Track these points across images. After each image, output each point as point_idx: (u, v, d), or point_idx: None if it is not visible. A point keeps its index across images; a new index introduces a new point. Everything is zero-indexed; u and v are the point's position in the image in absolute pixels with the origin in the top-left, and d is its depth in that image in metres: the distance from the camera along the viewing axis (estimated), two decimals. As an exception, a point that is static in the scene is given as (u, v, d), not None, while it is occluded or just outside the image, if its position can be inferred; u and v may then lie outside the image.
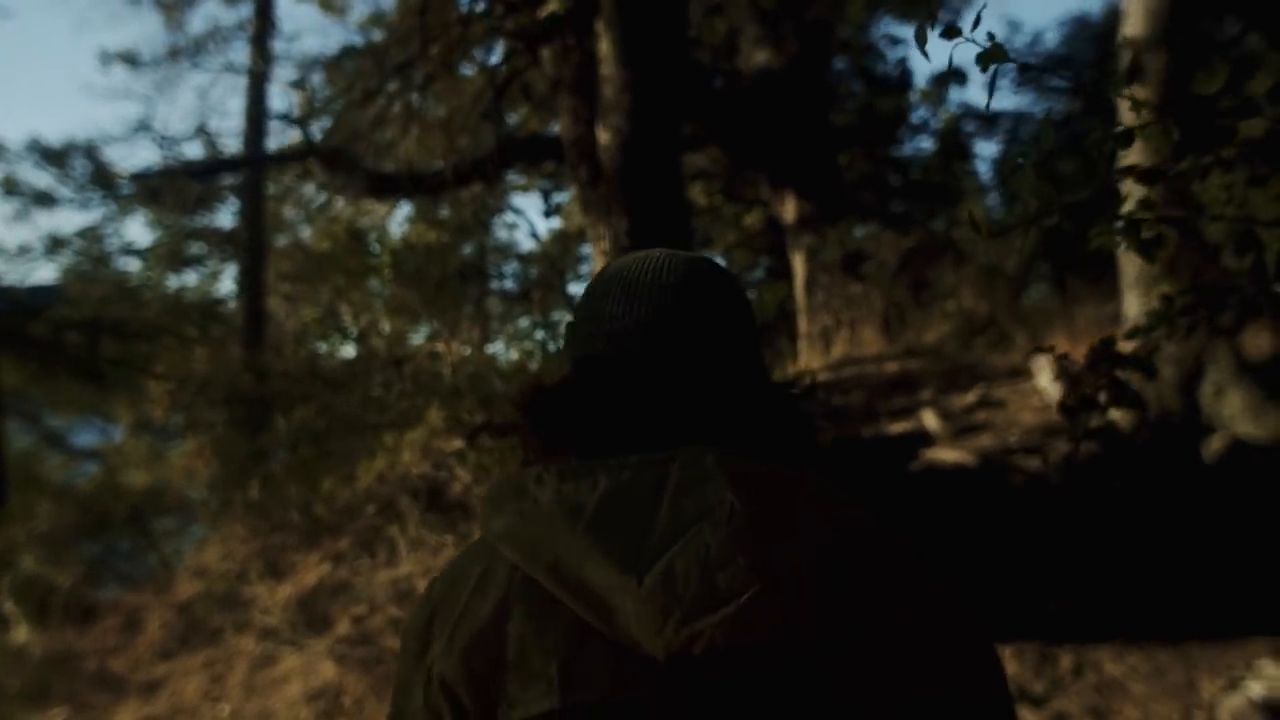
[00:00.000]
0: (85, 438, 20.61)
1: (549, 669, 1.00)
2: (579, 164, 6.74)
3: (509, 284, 21.81)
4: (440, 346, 12.14)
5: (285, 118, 14.71)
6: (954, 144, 17.99)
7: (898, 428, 7.88)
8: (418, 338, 13.68)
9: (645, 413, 1.15)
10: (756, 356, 1.26)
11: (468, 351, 12.58)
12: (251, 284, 15.79)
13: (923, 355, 9.91)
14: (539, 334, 18.86)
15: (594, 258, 6.85)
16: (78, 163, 15.54)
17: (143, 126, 13.57)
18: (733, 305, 1.24)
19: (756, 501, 1.00)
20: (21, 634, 9.54)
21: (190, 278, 21.69)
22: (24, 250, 17.01)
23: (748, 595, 0.94)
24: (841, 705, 1.00)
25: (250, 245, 15.77)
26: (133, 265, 19.58)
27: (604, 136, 6.56)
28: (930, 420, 7.75)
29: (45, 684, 8.55)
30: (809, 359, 11.43)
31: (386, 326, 13.57)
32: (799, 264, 12.90)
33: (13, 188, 16.23)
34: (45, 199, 16.50)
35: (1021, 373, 8.56)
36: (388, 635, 7.32)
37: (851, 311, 11.75)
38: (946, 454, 7.18)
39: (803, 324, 12.50)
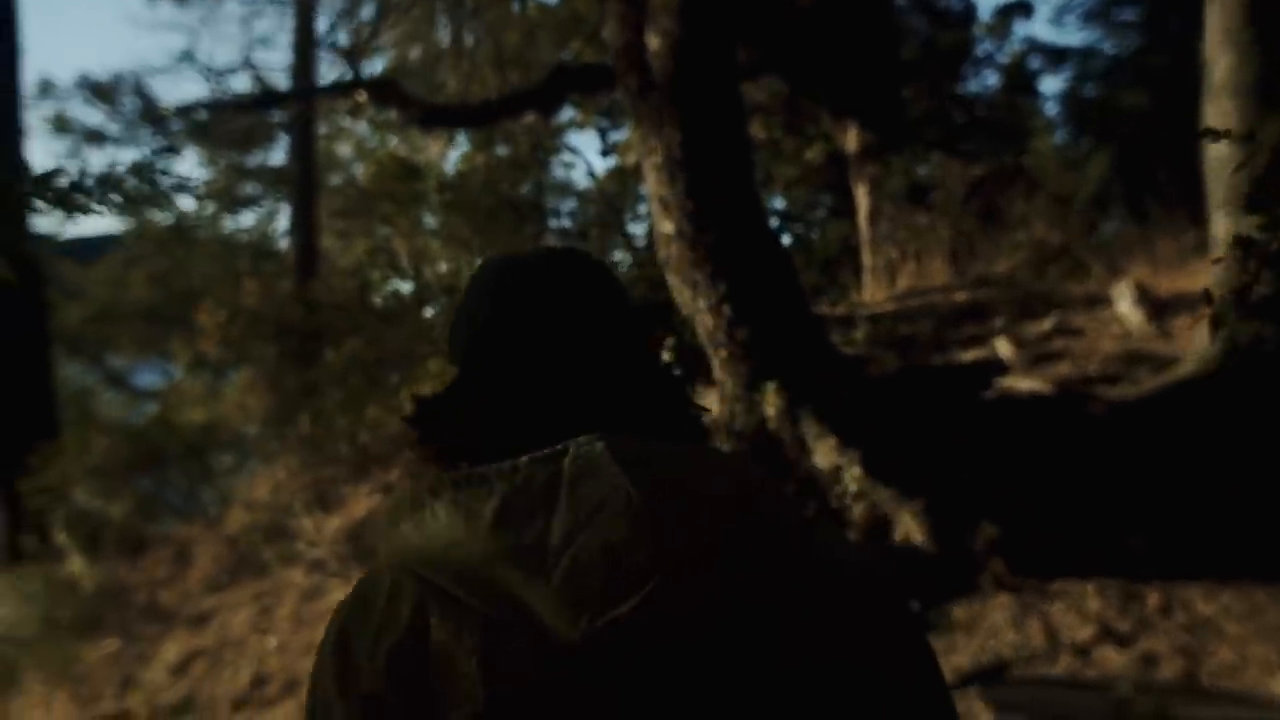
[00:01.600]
0: (147, 378, 20.77)
1: (470, 674, 0.99)
2: (628, 72, 6.38)
3: (566, 223, 21.57)
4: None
5: (334, 49, 14.44)
6: (1020, 80, 17.49)
7: (969, 356, 7.52)
8: (471, 270, 13.41)
9: (532, 409, 1.17)
10: (635, 341, 1.28)
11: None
12: (303, 221, 15.59)
13: (993, 285, 9.51)
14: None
15: (647, 173, 6.50)
16: (126, 99, 15.39)
17: (187, 58, 13.34)
18: (606, 291, 1.27)
19: (652, 484, 1.01)
20: (75, 566, 9.54)
21: (246, 219, 21.60)
22: (77, 188, 16.82)
23: (654, 580, 0.95)
24: (757, 680, 1.00)
25: (301, 181, 15.55)
26: (187, 204, 19.50)
27: (654, 42, 6.20)
28: (1004, 348, 7.38)
29: (97, 616, 8.55)
30: (873, 293, 11.11)
31: (439, 258, 13.35)
32: (862, 196, 12.59)
33: (63, 125, 16.12)
34: (96, 136, 16.38)
35: (1100, 300, 8.16)
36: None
37: (917, 243, 11.41)
38: (1022, 383, 6.85)
39: (866, 258, 12.19)
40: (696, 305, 6.37)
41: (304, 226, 15.68)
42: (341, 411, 10.11)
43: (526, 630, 0.99)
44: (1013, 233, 11.32)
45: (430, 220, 13.97)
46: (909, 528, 5.71)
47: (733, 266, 6.25)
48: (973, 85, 17.87)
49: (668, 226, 6.33)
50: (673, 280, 6.52)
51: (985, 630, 5.30)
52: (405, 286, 13.47)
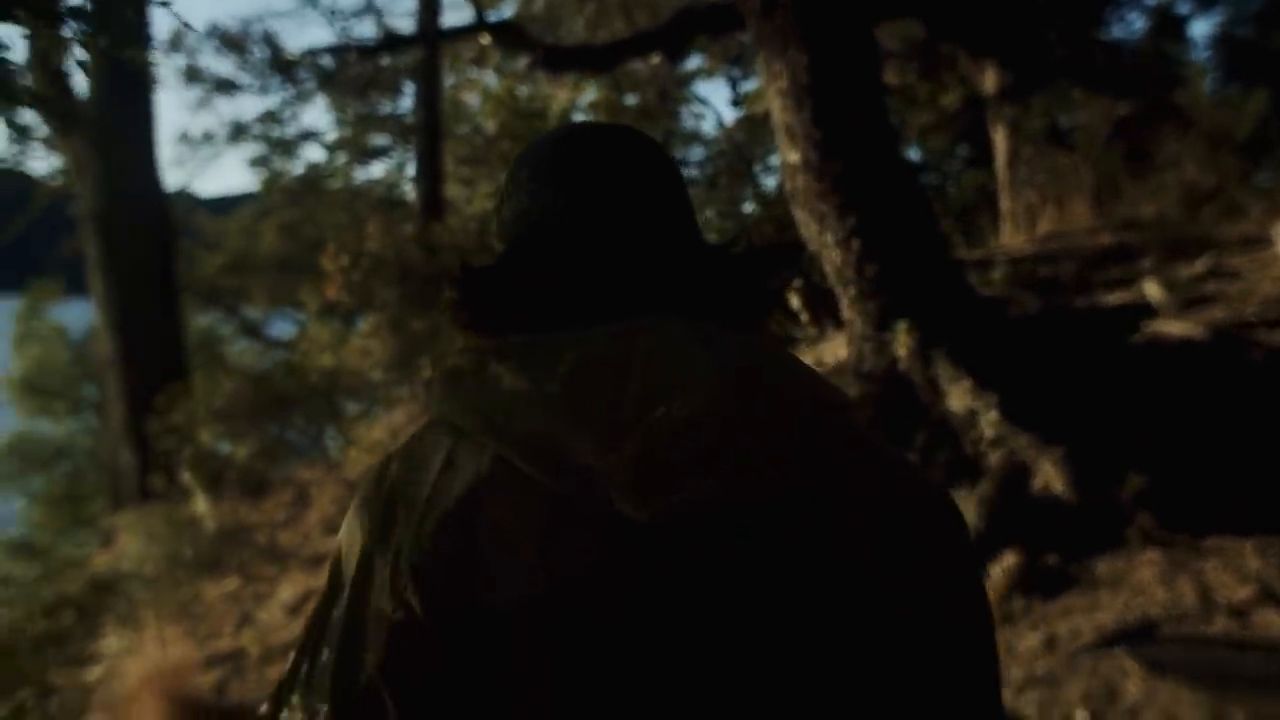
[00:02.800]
0: (281, 329, 21.23)
1: (530, 548, 0.96)
2: (751, -10, 6.05)
3: (694, 173, 21.34)
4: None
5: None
6: (1168, 23, 16.64)
7: (1115, 299, 7.07)
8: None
9: (598, 284, 1.12)
10: (694, 222, 1.26)
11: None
12: (428, 168, 15.52)
13: (1141, 228, 8.99)
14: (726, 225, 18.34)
15: (771, 101, 6.17)
16: (255, 48, 15.47)
17: (312, 2, 13.33)
18: (669, 171, 1.24)
19: (730, 367, 0.99)
20: (199, 506, 9.66)
21: (376, 170, 21.80)
22: (208, 138, 17.06)
23: (731, 459, 0.94)
24: (826, 571, 0.98)
25: (426, 128, 15.46)
26: (316, 155, 19.80)
27: (780, -45, 5.86)
28: (1153, 290, 6.92)
29: (218, 555, 8.64)
30: (1012, 237, 10.66)
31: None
32: (1000, 139, 12.13)
33: (194, 76, 16.29)
34: (226, 86, 16.53)
35: (1258, 241, 7.62)
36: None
37: (1058, 186, 10.92)
38: (1172, 326, 6.40)
39: (1005, 202, 11.73)
40: (824, 240, 6.05)
41: (429, 174, 15.61)
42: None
43: (592, 508, 0.95)
44: (1161, 174, 10.74)
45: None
46: (1049, 476, 5.35)
47: (862, 198, 5.92)
48: (1117, 30, 17.08)
49: (793, 156, 6.02)
50: (799, 214, 6.21)
51: (1131, 587, 4.94)
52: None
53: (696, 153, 21.18)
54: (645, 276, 1.12)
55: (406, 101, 19.41)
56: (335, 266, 11.54)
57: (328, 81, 14.99)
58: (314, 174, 21.38)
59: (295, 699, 1.04)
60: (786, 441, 0.98)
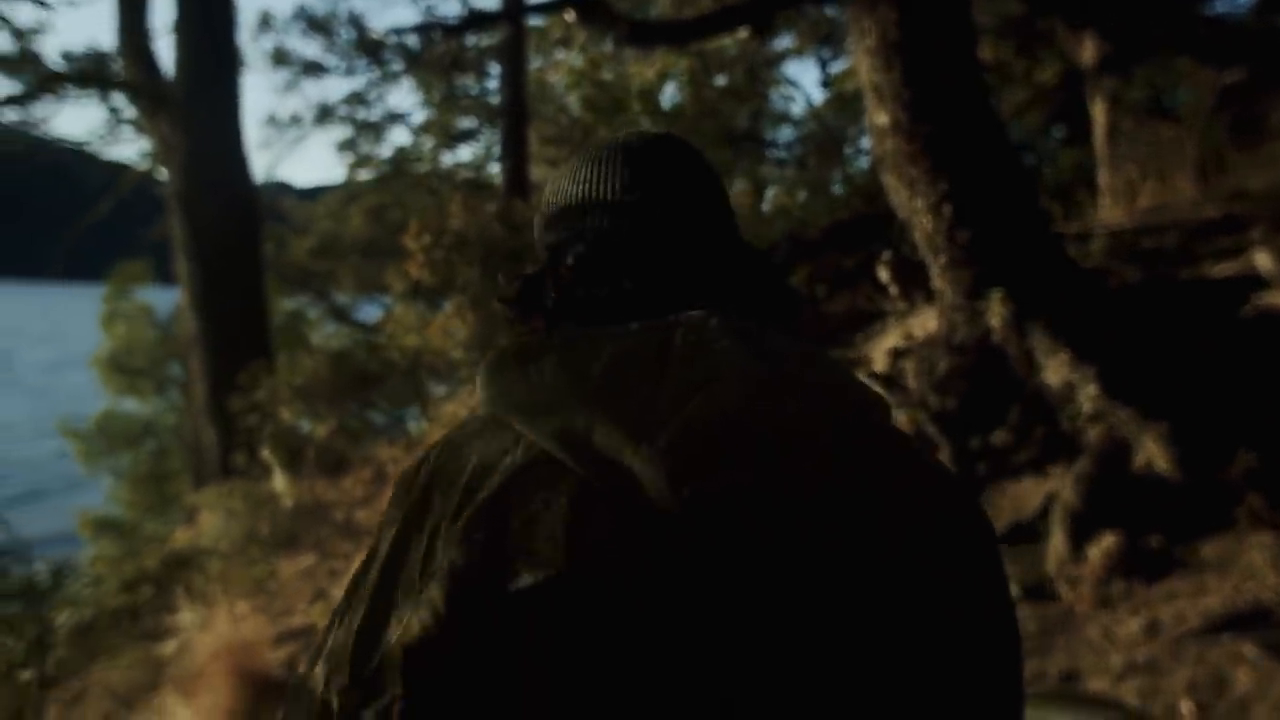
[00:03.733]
0: (369, 313, 21.44)
1: (554, 535, 0.96)
2: (841, -55, 5.82)
3: (782, 154, 21.08)
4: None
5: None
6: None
7: (1222, 270, 6.72)
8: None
9: (644, 284, 1.15)
10: (736, 226, 1.29)
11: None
12: (514, 149, 15.39)
13: (1250, 199, 8.58)
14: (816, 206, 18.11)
15: (859, 61, 5.93)
16: (341, 29, 15.50)
17: (396, -20, 13.28)
18: (711, 179, 1.28)
19: (766, 363, 1.01)
20: (278, 483, 9.68)
21: (463, 154, 21.80)
22: (294, 121, 17.14)
23: (763, 452, 0.95)
24: (854, 569, 0.98)
25: (511, 108, 15.34)
26: (402, 138, 19.91)
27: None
28: (1264, 261, 6.55)
29: (295, 532, 8.63)
30: (1111, 211, 10.28)
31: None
32: (1099, 112, 11.70)
33: (282, 58, 16.37)
34: (313, 68, 16.59)
35: (1378, 210, 7.20)
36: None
37: (1160, 159, 10.51)
38: (1284, 298, 6.03)
39: (1103, 177, 11.32)
40: (914, 206, 5.81)
41: (514, 153, 15.48)
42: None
43: (622, 496, 0.96)
44: (1270, 145, 10.29)
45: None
46: (1152, 453, 5.07)
47: (954, 161, 5.67)
48: (1220, 4, 16.59)
49: (882, 118, 5.77)
50: (888, 179, 5.97)
51: (1241, 571, 4.66)
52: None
53: (785, 134, 20.96)
54: (690, 276, 1.17)
55: (492, 85, 19.37)
56: (418, 245, 11.49)
57: (413, 62, 14.97)
58: (401, 158, 21.42)
59: (318, 668, 1.05)
60: (821, 438, 0.99)
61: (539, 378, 1.03)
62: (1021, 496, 5.47)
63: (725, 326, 1.03)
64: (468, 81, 18.93)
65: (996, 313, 5.57)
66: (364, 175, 21.75)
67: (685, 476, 0.92)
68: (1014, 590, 4.82)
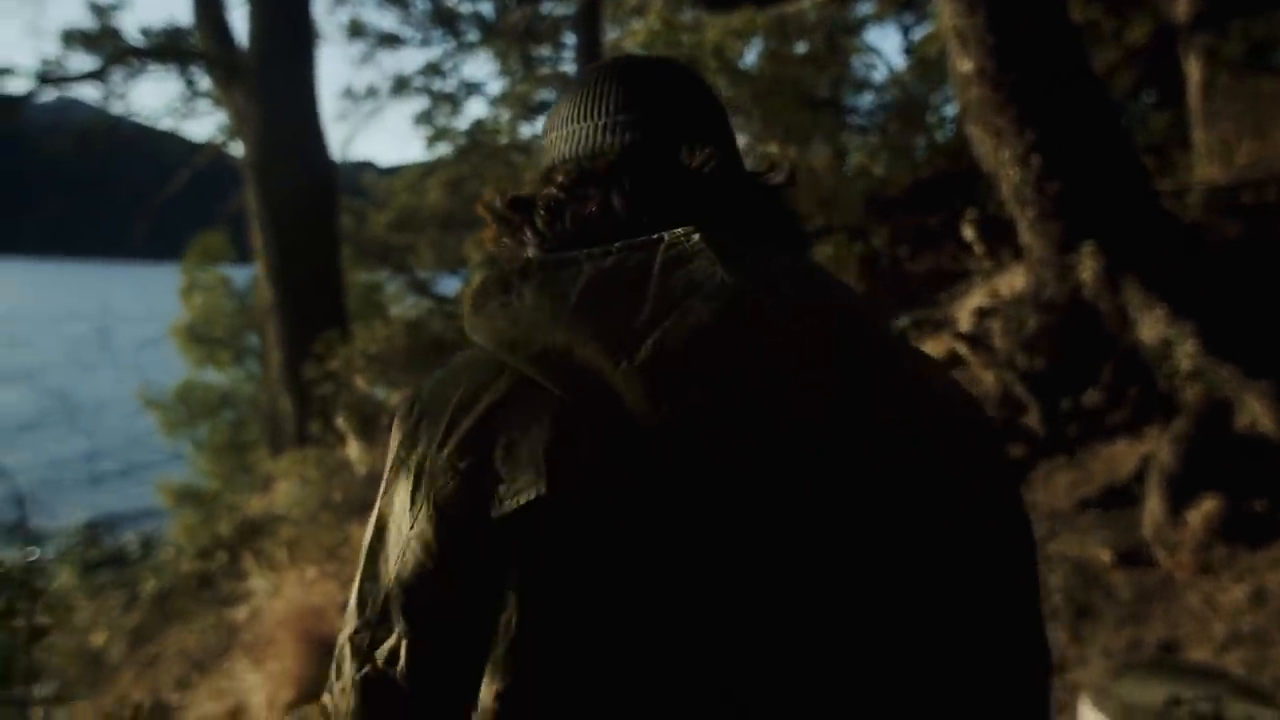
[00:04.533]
0: (449, 286, 21.52)
1: (535, 456, 0.94)
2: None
3: (864, 122, 20.78)
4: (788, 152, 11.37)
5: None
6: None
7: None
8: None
9: (634, 202, 1.11)
10: (737, 153, 1.25)
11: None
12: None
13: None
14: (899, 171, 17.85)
15: (941, 7, 5.68)
16: (418, 1, 15.43)
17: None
18: (708, 100, 1.26)
19: (749, 275, 0.99)
20: (351, 451, 9.69)
21: (541, 125, 21.68)
22: (371, 93, 17.12)
23: (744, 365, 0.94)
24: (850, 480, 0.97)
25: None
26: (479, 110, 19.86)
27: None
28: (1371, 214, 6.23)
29: (368, 498, 8.60)
30: (1207, 170, 9.92)
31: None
32: (1194, 69, 11.30)
33: (358, 30, 16.36)
34: (389, 40, 16.57)
35: None
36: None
37: (1258, 115, 10.13)
38: (1397, 251, 5.72)
39: (1198, 135, 10.94)
40: (1000, 157, 5.57)
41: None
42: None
43: (603, 415, 0.95)
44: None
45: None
46: (1255, 413, 4.82)
47: (1043, 109, 5.43)
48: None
49: (966, 65, 5.54)
50: (973, 131, 5.74)
51: (1353, 538, 4.40)
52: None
53: (867, 100, 20.65)
54: (681, 195, 1.11)
55: (568, 56, 19.22)
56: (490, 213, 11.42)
57: (488, 32, 14.86)
58: (478, 130, 21.38)
59: (348, 613, 1.06)
60: (802, 351, 0.97)
61: (520, 304, 1.01)
62: (1115, 459, 5.25)
63: (708, 240, 1.01)
64: (544, 52, 18.80)
65: (1088, 268, 5.33)
66: (442, 149, 21.73)
67: (664, 392, 0.92)
68: (1107, 556, 4.62)
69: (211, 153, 15.66)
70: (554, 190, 1.15)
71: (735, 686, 0.95)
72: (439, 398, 1.04)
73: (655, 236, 1.03)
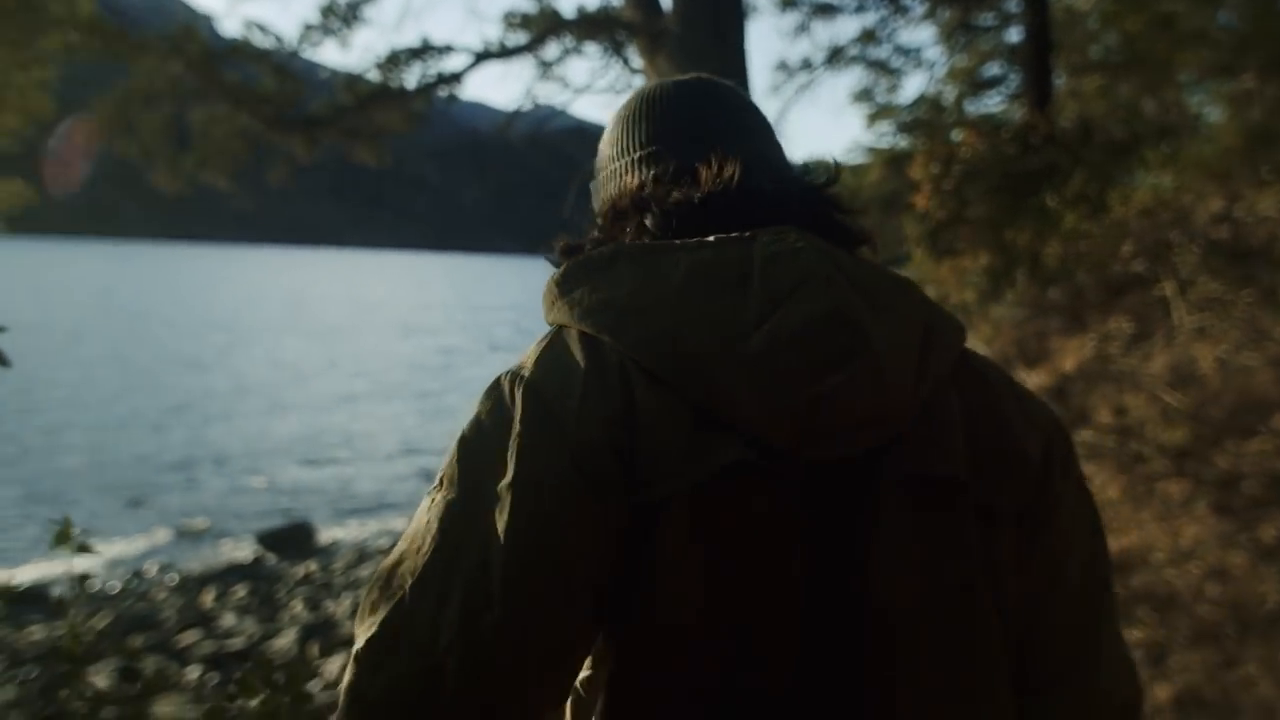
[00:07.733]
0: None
1: (680, 440, 0.96)
2: None
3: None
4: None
5: None
6: None
7: None
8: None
9: (716, 201, 1.14)
10: (789, 163, 1.29)
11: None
12: (1035, 76, 14.02)
13: None
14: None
15: None
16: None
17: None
18: (762, 119, 1.31)
19: (851, 270, 1.03)
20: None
21: (990, 102, 20.65)
22: (806, 65, 16.72)
23: (857, 360, 0.95)
24: (948, 478, 1.01)
25: (1033, 32, 13.98)
26: (919, 84, 19.31)
27: None
28: None
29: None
30: None
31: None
32: None
33: (791, 1, 16.00)
34: (824, 9, 16.14)
35: None
36: (1155, 427, 5.95)
37: None
38: None
39: None
40: None
41: (1036, 73, 14.03)
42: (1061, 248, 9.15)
43: (711, 403, 0.97)
44: None
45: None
46: None
47: None
48: None
49: None
50: None
51: None
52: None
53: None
54: (759, 201, 1.13)
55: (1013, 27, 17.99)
56: (925, 175, 10.77)
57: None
58: (922, 105, 20.51)
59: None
60: (909, 347, 1.00)
61: (618, 284, 1.03)
62: None
63: (803, 237, 1.04)
64: (986, 17, 17.65)
65: None
66: (883, 127, 21.03)
67: (780, 387, 0.94)
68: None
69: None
70: (648, 182, 1.18)
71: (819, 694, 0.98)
72: (563, 378, 1.01)
73: (750, 232, 1.05)
